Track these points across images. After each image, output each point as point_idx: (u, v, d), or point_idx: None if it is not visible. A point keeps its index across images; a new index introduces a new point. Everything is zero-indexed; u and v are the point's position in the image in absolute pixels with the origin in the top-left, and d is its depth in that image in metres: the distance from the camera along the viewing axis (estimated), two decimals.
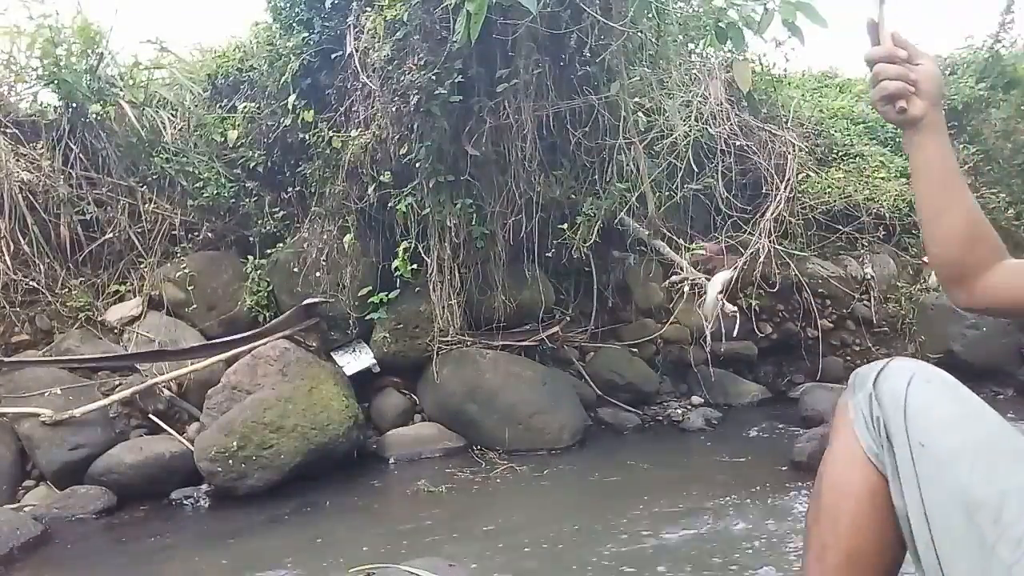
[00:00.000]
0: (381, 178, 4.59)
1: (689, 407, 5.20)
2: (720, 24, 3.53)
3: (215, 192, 5.23)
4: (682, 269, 4.74)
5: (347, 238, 4.71)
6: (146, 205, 5.18)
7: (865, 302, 5.72)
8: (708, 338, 4.77)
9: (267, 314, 4.92)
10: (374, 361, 4.72)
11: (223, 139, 5.38)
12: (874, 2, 1.13)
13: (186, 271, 4.88)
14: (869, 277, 5.71)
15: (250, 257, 5.09)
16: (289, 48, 4.86)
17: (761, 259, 5.01)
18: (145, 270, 5.01)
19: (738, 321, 4.47)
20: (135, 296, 4.93)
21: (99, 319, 4.77)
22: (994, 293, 1.13)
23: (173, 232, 5.23)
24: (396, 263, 4.60)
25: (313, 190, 5.00)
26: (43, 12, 5.00)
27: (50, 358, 4.44)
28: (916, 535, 0.92)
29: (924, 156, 1.12)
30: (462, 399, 4.55)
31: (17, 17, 5.88)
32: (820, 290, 5.51)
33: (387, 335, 4.73)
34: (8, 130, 4.92)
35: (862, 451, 1.00)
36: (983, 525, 0.86)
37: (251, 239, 5.23)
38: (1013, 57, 7.00)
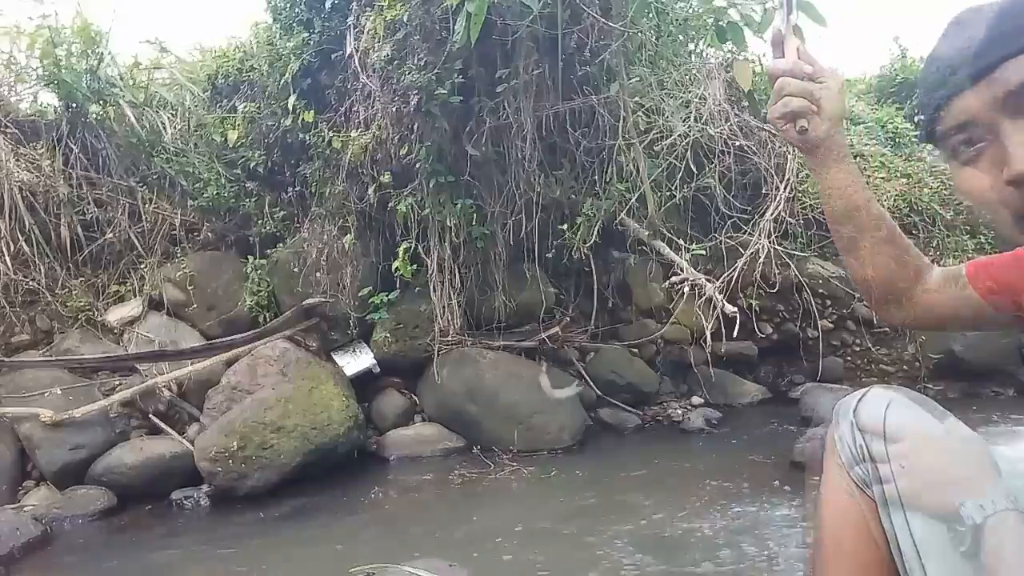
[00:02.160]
0: (381, 178, 4.59)
1: (689, 407, 5.19)
2: (720, 23, 3.54)
3: (215, 192, 5.24)
4: (682, 269, 4.73)
5: (347, 238, 4.72)
6: (146, 205, 5.19)
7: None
8: (708, 338, 4.77)
9: (267, 314, 4.93)
10: (374, 361, 4.72)
11: (223, 140, 5.39)
12: (781, 15, 1.08)
13: (186, 271, 4.88)
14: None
15: (250, 257, 5.10)
16: (289, 48, 4.86)
17: (761, 259, 4.99)
18: (145, 270, 5.02)
19: (738, 321, 4.46)
20: (135, 296, 4.94)
21: (99, 319, 4.78)
22: (933, 305, 1.12)
23: (173, 232, 5.25)
24: (396, 263, 4.61)
25: (313, 190, 5.01)
26: (43, 12, 5.03)
27: (50, 358, 4.45)
28: (904, 554, 0.94)
29: (830, 181, 1.09)
30: (462, 399, 4.55)
31: (17, 17, 5.89)
32: (820, 290, 5.50)
33: (387, 335, 4.73)
34: (8, 130, 4.93)
35: (851, 481, 1.01)
36: (963, 536, 0.89)
37: (251, 239, 5.24)
38: None
